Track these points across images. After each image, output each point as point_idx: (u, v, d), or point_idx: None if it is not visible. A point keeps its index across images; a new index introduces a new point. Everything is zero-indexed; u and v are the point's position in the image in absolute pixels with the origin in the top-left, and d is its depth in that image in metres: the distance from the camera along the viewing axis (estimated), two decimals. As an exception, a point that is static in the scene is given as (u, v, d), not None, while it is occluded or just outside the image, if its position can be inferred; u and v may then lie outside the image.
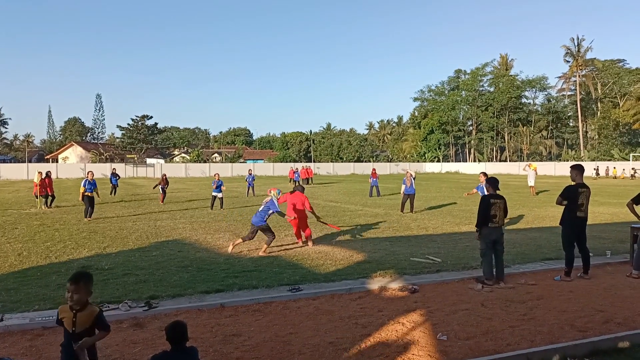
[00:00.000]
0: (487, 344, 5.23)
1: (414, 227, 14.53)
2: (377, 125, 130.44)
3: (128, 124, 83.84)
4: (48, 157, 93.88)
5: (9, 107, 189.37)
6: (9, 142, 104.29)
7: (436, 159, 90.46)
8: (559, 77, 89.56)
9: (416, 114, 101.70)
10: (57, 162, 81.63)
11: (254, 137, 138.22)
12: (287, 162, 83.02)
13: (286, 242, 11.87)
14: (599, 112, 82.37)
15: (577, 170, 8.51)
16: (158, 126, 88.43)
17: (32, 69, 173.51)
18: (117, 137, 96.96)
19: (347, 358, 4.94)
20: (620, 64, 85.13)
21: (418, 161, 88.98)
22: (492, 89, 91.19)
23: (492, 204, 8.05)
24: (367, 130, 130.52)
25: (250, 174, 28.91)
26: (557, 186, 32.91)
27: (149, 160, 71.86)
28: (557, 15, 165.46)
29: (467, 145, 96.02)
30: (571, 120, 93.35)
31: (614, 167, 56.36)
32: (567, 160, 70.82)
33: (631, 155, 61.49)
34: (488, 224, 8.04)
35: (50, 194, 21.35)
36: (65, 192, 29.73)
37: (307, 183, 41.34)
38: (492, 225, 8.04)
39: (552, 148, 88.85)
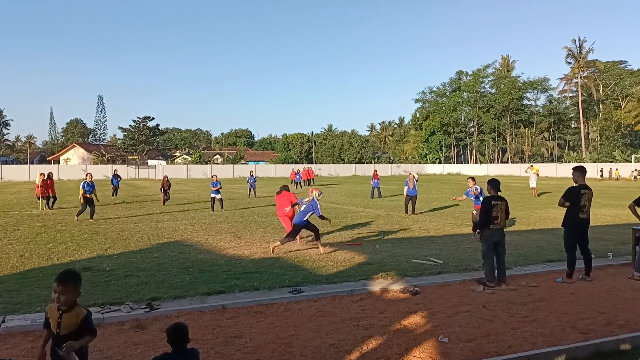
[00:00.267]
0: (489, 346, 5.22)
1: (415, 228, 14.52)
2: (378, 127, 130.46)
3: (130, 126, 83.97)
4: (50, 158, 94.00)
5: (11, 109, 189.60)
6: (11, 144, 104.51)
7: (438, 160, 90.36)
8: (561, 78, 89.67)
9: (418, 115, 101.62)
10: (59, 163, 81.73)
11: (256, 139, 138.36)
12: (288, 163, 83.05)
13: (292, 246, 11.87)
14: (600, 114, 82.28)
15: (580, 171, 8.49)
16: (160, 127, 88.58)
17: (34, 71, 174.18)
18: (119, 139, 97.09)
19: (349, 360, 4.93)
20: (622, 65, 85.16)
21: (419, 162, 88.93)
22: (493, 91, 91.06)
23: (493, 205, 8.05)
24: (369, 132, 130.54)
25: (252, 176, 28.88)
26: (559, 188, 32.87)
27: (150, 162, 71.93)
28: (558, 16, 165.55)
29: (468, 147, 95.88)
30: (573, 122, 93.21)
31: (617, 169, 56.19)
32: (569, 162, 70.70)
33: (633, 156, 61.36)
34: (489, 226, 8.03)
35: (52, 195, 21.38)
36: (67, 194, 29.74)
37: (309, 184, 41.33)
38: (494, 227, 8.04)
39: (553, 149, 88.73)
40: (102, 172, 61.93)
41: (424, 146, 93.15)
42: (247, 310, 6.61)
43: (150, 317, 6.30)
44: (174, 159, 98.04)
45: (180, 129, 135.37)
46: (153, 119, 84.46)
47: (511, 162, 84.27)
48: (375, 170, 29.92)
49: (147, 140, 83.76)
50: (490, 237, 8.03)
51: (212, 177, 21.66)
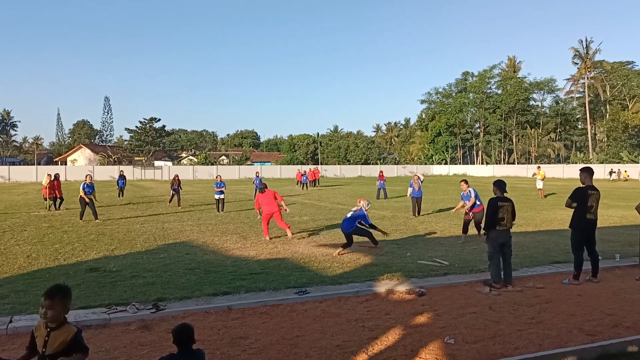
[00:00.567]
0: (495, 347, 5.20)
1: (421, 229, 14.49)
2: (384, 128, 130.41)
3: (136, 127, 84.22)
4: (57, 159, 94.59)
5: (18, 110, 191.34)
6: (18, 145, 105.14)
7: (443, 161, 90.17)
8: (567, 79, 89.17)
9: (423, 116, 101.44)
10: (65, 164, 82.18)
11: (261, 140, 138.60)
12: (294, 164, 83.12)
13: (292, 243, 11.88)
14: (607, 115, 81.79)
15: (587, 172, 8.46)
16: (166, 129, 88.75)
17: (42, 73, 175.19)
18: (125, 140, 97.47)
19: (354, 361, 4.93)
20: (629, 65, 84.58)
21: (425, 163, 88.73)
22: (499, 91, 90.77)
23: (499, 206, 8.01)
24: (375, 133, 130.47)
25: (258, 177, 28.88)
26: (566, 189, 32.70)
27: (156, 163, 72.21)
28: (565, 17, 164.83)
29: (474, 148, 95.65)
30: (579, 123, 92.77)
31: (625, 170, 55.79)
32: (576, 163, 70.37)
33: (640, 157, 61.02)
34: (496, 227, 8.00)
35: (58, 196, 21.48)
36: (73, 195, 29.76)
37: (314, 185, 41.34)
38: (500, 228, 8.00)
39: (560, 150, 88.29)
40: (108, 173, 62.32)
41: (430, 147, 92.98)
42: (253, 311, 6.62)
43: (156, 318, 6.32)
44: (180, 160, 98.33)
45: (187, 130, 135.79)
46: (159, 120, 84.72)
47: (517, 163, 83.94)
48: (381, 171, 29.88)
49: (154, 142, 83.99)
50: (496, 238, 7.99)
51: (217, 177, 21.46)
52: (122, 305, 6.72)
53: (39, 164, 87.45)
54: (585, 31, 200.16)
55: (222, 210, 19.95)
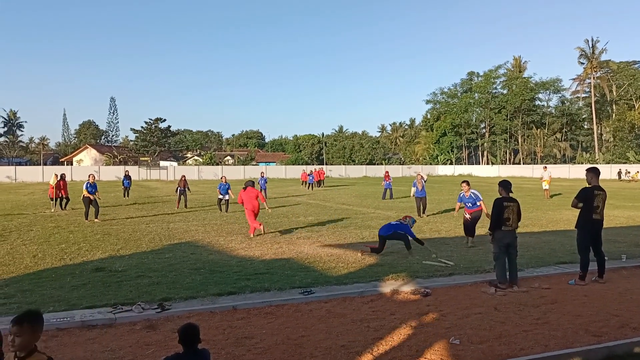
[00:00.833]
0: (500, 348, 5.19)
1: (426, 230, 14.46)
2: (389, 128, 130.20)
3: (142, 127, 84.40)
4: (63, 159, 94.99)
5: (24, 111, 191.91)
6: (24, 145, 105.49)
7: (449, 161, 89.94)
8: (573, 79, 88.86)
9: (429, 116, 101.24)
10: (71, 164, 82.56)
11: (266, 140, 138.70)
12: (299, 164, 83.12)
13: (297, 244, 11.88)
14: (614, 115, 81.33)
15: (593, 172, 8.42)
16: (171, 129, 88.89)
17: (48, 74, 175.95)
18: (131, 140, 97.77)
19: (359, 361, 4.92)
20: (636, 65, 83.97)
21: (430, 164, 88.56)
22: (505, 91, 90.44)
23: (505, 207, 7.99)
24: (380, 133, 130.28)
25: (263, 177, 28.89)
26: (571, 189, 32.57)
27: (162, 163, 72.42)
28: (571, 17, 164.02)
29: (480, 148, 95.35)
30: (586, 123, 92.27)
31: (637, 171, 55.34)
32: (582, 163, 70.00)
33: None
34: (501, 227, 7.98)
35: (64, 196, 21.57)
36: (79, 195, 29.89)
37: (319, 185, 41.34)
38: (506, 229, 7.98)
39: (566, 151, 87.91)
40: (114, 173, 62.51)
41: (435, 147, 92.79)
42: (258, 311, 6.63)
43: (161, 318, 6.34)
44: (186, 160, 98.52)
45: (192, 131, 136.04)
46: (165, 120, 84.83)
47: (523, 164, 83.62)
48: (387, 172, 29.85)
49: (159, 142, 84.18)
50: (502, 238, 7.97)
51: (221, 178, 21.26)
52: (128, 304, 6.75)
53: (45, 164, 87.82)
54: (591, 31, 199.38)
55: (227, 211, 19.98)
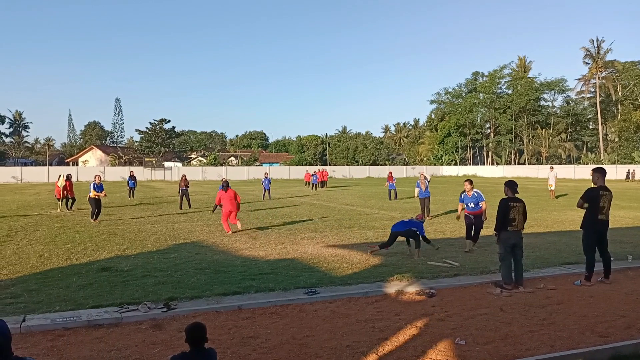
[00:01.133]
0: (506, 349, 5.18)
1: (431, 230, 14.42)
2: (393, 128, 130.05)
3: (146, 128, 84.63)
4: (68, 160, 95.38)
5: (30, 112, 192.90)
6: (30, 146, 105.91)
7: (453, 162, 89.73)
8: (578, 79, 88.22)
9: (433, 116, 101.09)
10: (77, 165, 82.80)
11: (270, 141, 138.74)
12: (302, 165, 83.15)
13: (301, 244, 11.89)
14: (619, 115, 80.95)
15: (599, 173, 8.39)
16: (176, 130, 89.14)
17: (53, 74, 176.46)
18: (136, 141, 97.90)
19: (365, 361, 4.93)
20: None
21: (435, 164, 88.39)
22: (510, 92, 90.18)
23: (511, 207, 7.97)
24: (383, 133, 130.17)
25: (266, 177, 28.96)
26: (577, 190, 32.45)
27: (166, 164, 72.71)
28: (576, 17, 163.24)
29: (484, 148, 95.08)
30: (591, 123, 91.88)
31: None
32: (587, 164, 69.76)
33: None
34: (507, 228, 7.96)
35: (70, 196, 21.67)
36: (85, 195, 30.02)
37: (322, 186, 41.34)
38: (511, 229, 7.96)
39: (571, 151, 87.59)
40: (119, 173, 62.72)
41: (440, 148, 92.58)
42: (263, 311, 6.65)
43: (167, 317, 6.37)
44: (190, 161, 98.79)
45: (196, 131, 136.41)
46: (169, 121, 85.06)
47: (528, 164, 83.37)
48: (390, 172, 29.81)
49: (164, 143, 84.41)
50: (507, 239, 7.95)
51: (223, 180, 21.19)
52: (134, 304, 6.78)
53: (50, 164, 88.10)
54: (596, 31, 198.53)
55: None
